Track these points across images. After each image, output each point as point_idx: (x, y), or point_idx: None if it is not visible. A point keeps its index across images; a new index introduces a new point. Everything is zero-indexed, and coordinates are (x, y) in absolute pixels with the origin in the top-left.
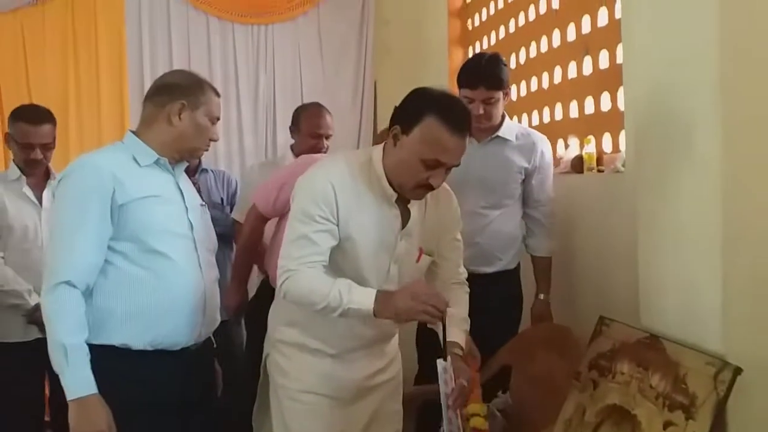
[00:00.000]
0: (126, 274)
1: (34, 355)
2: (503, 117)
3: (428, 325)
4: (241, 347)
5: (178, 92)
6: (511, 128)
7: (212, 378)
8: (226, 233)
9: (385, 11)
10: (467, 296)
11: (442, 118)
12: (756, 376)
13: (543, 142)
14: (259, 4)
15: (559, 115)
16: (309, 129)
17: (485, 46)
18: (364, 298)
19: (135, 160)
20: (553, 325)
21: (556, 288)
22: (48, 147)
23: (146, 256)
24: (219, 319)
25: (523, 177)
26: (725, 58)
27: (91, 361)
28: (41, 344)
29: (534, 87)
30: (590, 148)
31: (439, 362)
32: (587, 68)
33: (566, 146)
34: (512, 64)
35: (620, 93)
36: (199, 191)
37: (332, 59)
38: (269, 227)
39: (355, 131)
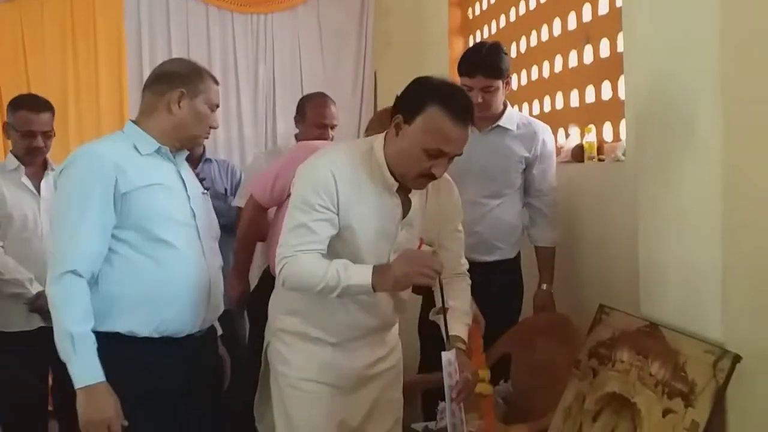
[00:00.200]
0: (131, 263)
1: (37, 343)
2: (505, 106)
3: (430, 317)
4: (244, 338)
5: (177, 80)
6: (512, 117)
7: (217, 365)
8: (229, 224)
9: (386, 1)
10: (469, 288)
11: (445, 108)
12: (755, 364)
13: (545, 132)
14: None
15: (559, 104)
16: (314, 119)
17: (486, 35)
18: (361, 274)
19: (136, 149)
20: (553, 313)
21: (557, 276)
22: (48, 135)
23: (150, 244)
24: (222, 306)
25: (524, 166)
26: (726, 47)
27: (97, 347)
28: (44, 333)
29: (535, 76)
30: (591, 137)
31: (444, 354)
32: (588, 57)
33: (567, 135)
34: (513, 53)
35: (621, 82)
36: (202, 181)
37: (332, 49)
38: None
39: (356, 121)
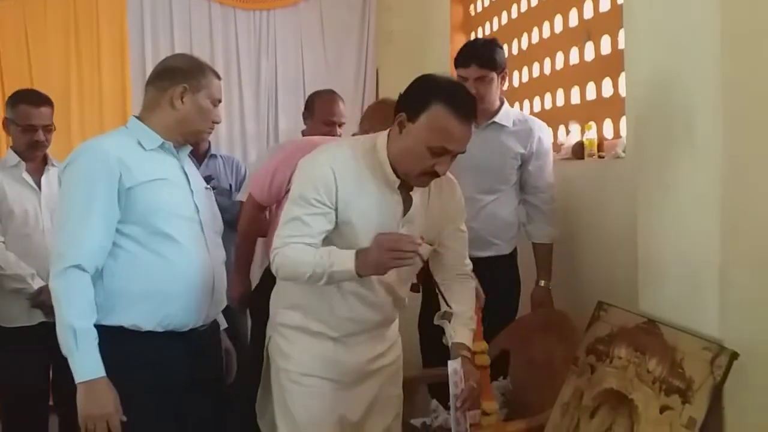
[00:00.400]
0: (135, 257)
1: (39, 339)
2: (502, 102)
3: (435, 322)
4: (246, 336)
5: (179, 76)
6: (508, 114)
7: (219, 359)
8: (234, 220)
9: None
10: (473, 290)
11: (449, 106)
12: (752, 361)
13: (541, 129)
14: None
15: (560, 101)
16: (323, 116)
17: (487, 31)
18: (345, 259)
19: (140, 144)
20: (552, 310)
21: (556, 273)
22: (49, 129)
23: (155, 239)
24: (225, 300)
25: (519, 163)
26: (726, 44)
27: (101, 342)
28: (46, 328)
29: (536, 73)
30: (591, 134)
31: (450, 363)
32: (589, 54)
33: (567, 132)
34: (514, 50)
35: (621, 79)
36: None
37: (334, 45)
38: None
39: (357, 117)
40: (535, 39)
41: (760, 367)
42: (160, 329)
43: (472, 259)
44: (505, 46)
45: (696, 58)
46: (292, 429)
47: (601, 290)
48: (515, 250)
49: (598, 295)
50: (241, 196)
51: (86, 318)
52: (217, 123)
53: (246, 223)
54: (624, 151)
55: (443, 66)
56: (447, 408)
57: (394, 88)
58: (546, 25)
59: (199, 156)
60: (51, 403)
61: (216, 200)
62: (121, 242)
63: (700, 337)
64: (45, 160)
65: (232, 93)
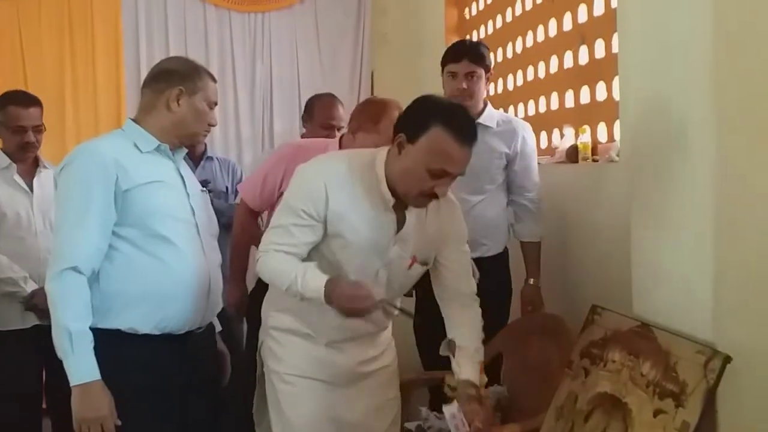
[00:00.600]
0: (132, 259)
1: (33, 342)
2: (485, 104)
3: (441, 353)
4: (242, 341)
5: (175, 78)
6: (492, 115)
7: (215, 362)
8: (230, 223)
9: (383, 0)
10: (479, 318)
11: (450, 128)
12: (745, 365)
13: (524, 129)
14: None
15: (554, 105)
16: (322, 119)
17: (482, 35)
18: (315, 286)
19: (136, 146)
20: (545, 313)
21: (550, 277)
22: (39, 129)
23: (151, 241)
24: (221, 303)
25: (505, 163)
26: (720, 49)
27: (97, 345)
28: (39, 331)
29: (530, 76)
30: (585, 137)
31: (446, 409)
32: (583, 58)
33: (561, 136)
34: (508, 54)
35: (615, 82)
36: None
37: (329, 48)
38: None
39: None
40: (529, 42)
41: (753, 371)
42: (156, 332)
43: None
44: (500, 50)
45: (689, 62)
46: (287, 430)
47: (595, 294)
48: (506, 251)
49: (592, 299)
50: (238, 199)
51: (82, 320)
52: (213, 125)
53: (239, 230)
54: (618, 155)
55: (438, 69)
56: (438, 417)
57: (389, 91)
58: (540, 28)
59: (195, 158)
60: (44, 406)
61: (212, 203)
62: (117, 245)
63: (694, 340)
64: (36, 162)
65: (227, 95)
